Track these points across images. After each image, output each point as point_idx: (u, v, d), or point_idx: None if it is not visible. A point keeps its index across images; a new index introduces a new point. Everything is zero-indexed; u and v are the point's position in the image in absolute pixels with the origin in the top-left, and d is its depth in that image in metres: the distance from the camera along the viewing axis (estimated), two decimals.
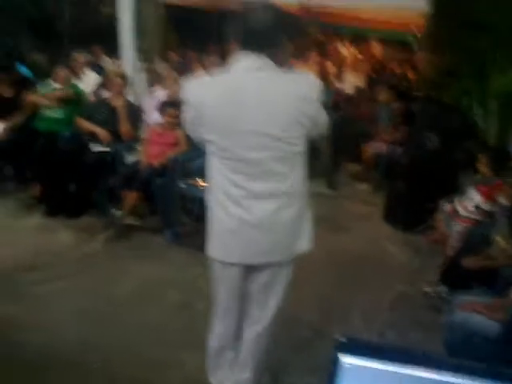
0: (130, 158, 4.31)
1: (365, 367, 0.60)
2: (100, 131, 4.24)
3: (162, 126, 4.33)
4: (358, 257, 3.84)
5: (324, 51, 9.67)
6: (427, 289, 3.24)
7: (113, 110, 4.31)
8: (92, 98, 5.12)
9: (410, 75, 8.59)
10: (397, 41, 10.65)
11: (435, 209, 3.88)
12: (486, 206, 3.30)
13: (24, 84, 5.00)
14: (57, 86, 4.60)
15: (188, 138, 4.28)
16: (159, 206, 4.03)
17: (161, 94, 5.27)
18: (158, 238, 3.98)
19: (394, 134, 5.61)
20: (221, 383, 2.11)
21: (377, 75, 8.66)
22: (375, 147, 5.63)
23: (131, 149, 4.35)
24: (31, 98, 4.56)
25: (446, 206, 3.64)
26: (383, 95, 6.41)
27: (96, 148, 4.25)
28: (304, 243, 1.92)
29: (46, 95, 4.50)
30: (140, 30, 6.57)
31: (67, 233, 3.95)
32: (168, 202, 3.99)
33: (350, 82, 8.32)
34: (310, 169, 1.93)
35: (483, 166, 3.45)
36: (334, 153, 5.61)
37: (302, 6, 6.90)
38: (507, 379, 0.58)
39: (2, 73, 4.82)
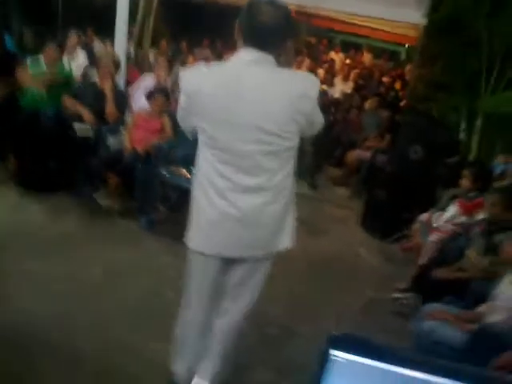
0: (112, 141, 4.25)
1: (355, 362, 0.60)
2: (85, 112, 4.18)
3: (149, 112, 4.29)
4: (332, 259, 3.88)
5: (315, 55, 9.73)
6: (397, 295, 3.30)
7: (100, 92, 4.26)
8: (80, 79, 5.05)
9: (398, 85, 8.72)
10: (387, 50, 10.81)
11: (412, 219, 3.95)
12: (462, 220, 3.37)
13: (8, 56, 4.86)
14: (45, 66, 4.49)
15: (174, 126, 4.27)
16: (138, 192, 3.98)
17: (148, 79, 5.22)
18: (132, 224, 3.93)
19: (379, 141, 5.69)
20: (184, 372, 2.10)
21: (365, 82, 8.75)
22: (359, 153, 5.70)
23: (115, 131, 4.29)
24: (21, 76, 4.43)
25: (424, 216, 3.71)
26: (370, 103, 6.49)
27: (79, 127, 4.18)
28: (286, 240, 1.91)
29: (35, 78, 4.39)
30: (134, 17, 6.52)
31: (41, 211, 3.86)
32: (148, 189, 3.95)
33: (338, 87, 8.40)
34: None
35: (466, 181, 3.51)
36: (316, 154, 5.64)
37: (298, 8, 6.87)
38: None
39: None
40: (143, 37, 7.23)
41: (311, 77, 1.84)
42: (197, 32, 9.05)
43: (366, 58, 10.32)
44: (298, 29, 7.89)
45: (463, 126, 4.80)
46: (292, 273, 3.37)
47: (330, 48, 10.75)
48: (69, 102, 4.25)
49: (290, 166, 1.83)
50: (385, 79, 9.08)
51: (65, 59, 5.36)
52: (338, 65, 9.64)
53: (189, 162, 3.87)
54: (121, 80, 5.07)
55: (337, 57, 10.05)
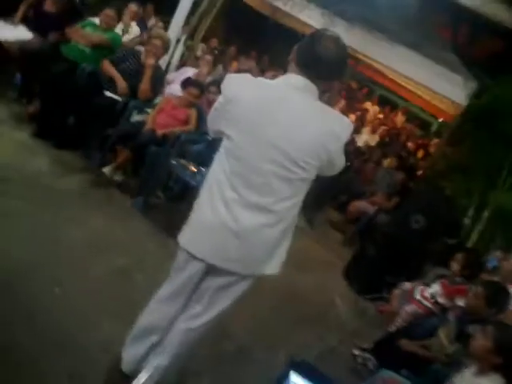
0: (136, 118, 4.29)
1: None
2: (120, 80, 4.21)
3: (179, 100, 4.34)
4: (306, 298, 3.87)
5: (352, 100, 9.84)
6: (356, 352, 3.27)
7: (141, 66, 4.29)
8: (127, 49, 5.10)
9: (420, 154, 8.79)
10: (420, 118, 10.92)
11: (394, 284, 3.96)
12: (442, 301, 3.38)
13: (69, 9, 4.91)
14: (99, 29, 4.56)
15: (198, 122, 4.32)
16: (144, 172, 4.01)
17: (190, 71, 5.30)
18: (126, 201, 3.94)
19: (385, 200, 5.72)
20: (133, 362, 2.08)
21: (390, 141, 8.83)
22: (363, 205, 5.73)
23: (141, 110, 4.33)
24: (71, 32, 4.49)
25: (407, 285, 3.72)
26: (389, 161, 6.56)
27: (109, 94, 4.22)
28: (274, 266, 1.91)
29: (83, 35, 4.45)
30: (196, 7, 6.63)
31: (45, 160, 3.87)
32: (154, 172, 3.97)
33: (363, 137, 8.48)
34: None
35: (456, 265, 3.52)
36: (322, 194, 5.67)
37: (350, 51, 6.97)
38: None
39: None
40: (197, 30, 7.33)
41: (347, 120, 1.85)
42: (249, 42, 9.17)
43: (399, 119, 10.42)
44: (348, 71, 7.99)
45: (471, 212, 4.85)
46: (264, 298, 3.35)
47: (368, 98, 10.87)
48: (107, 66, 4.27)
49: (299, 196, 1.84)
50: (410, 144, 9.16)
51: (119, 28, 5.43)
52: (370, 116, 9.75)
53: (200, 159, 3.92)
54: (163, 64, 5.13)
55: (371, 108, 10.16)
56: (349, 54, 1.76)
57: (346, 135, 1.78)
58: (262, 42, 9.31)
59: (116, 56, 4.40)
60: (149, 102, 4.38)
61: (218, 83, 4.82)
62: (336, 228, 5.91)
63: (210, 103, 4.30)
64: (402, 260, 4.31)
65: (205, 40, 7.81)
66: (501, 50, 5.43)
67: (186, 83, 4.49)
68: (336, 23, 6.64)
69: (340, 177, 5.84)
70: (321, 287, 4.26)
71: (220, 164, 1.80)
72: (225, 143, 1.80)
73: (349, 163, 6.59)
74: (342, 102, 8.72)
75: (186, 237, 1.90)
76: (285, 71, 1.84)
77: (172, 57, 6.27)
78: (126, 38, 5.42)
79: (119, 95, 4.22)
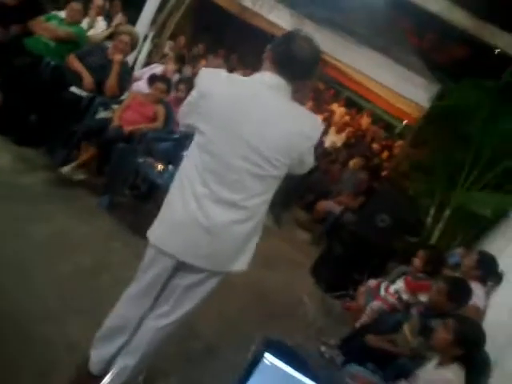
0: (102, 114, 4.20)
1: (281, 370, 0.62)
2: (86, 75, 4.12)
3: (146, 97, 4.29)
4: (273, 296, 3.89)
5: (318, 101, 9.95)
6: (323, 349, 3.31)
7: (107, 62, 4.20)
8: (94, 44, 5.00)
9: (384, 155, 8.98)
10: (385, 120, 11.15)
11: (359, 281, 4.03)
12: (406, 297, 3.46)
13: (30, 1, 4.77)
14: (63, 22, 4.44)
15: (165, 119, 4.28)
16: (110, 169, 3.94)
17: (157, 68, 5.25)
18: (92, 199, 3.86)
19: (351, 200, 5.82)
20: (101, 362, 2.05)
21: (355, 142, 8.98)
22: (330, 205, 5.82)
23: (107, 106, 4.24)
24: (34, 24, 4.35)
25: (373, 283, 3.79)
26: (355, 162, 6.67)
27: (74, 89, 4.12)
28: (242, 262, 1.91)
29: (47, 28, 4.32)
30: (164, 4, 6.56)
31: (7, 156, 3.76)
32: (120, 169, 3.91)
33: (330, 138, 8.59)
34: None
35: (418, 262, 3.61)
36: (289, 193, 5.72)
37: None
38: None
39: None
40: (165, 27, 7.26)
41: (319, 120, 1.86)
42: (217, 41, 9.15)
43: (365, 121, 10.59)
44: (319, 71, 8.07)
45: (432, 211, 4.98)
46: (231, 297, 3.35)
47: (335, 99, 11.01)
48: (73, 60, 4.17)
49: (270, 193, 1.85)
50: (375, 145, 9.33)
51: (84, 22, 5.32)
52: (336, 117, 9.88)
53: (167, 158, 3.88)
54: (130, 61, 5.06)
55: (338, 110, 10.30)
56: (320, 54, 1.78)
57: (317, 135, 1.80)
58: (231, 41, 9.33)
59: (82, 51, 4.30)
60: (115, 99, 4.30)
61: (186, 81, 4.80)
62: (303, 227, 5.97)
63: (179, 101, 4.27)
64: (367, 258, 4.40)
65: (172, 37, 7.75)
66: (465, 56, 5.63)
67: (153, 79, 4.45)
68: (305, 24, 6.71)
69: (308, 176, 5.97)
70: (288, 285, 4.29)
71: (191, 159, 1.79)
72: (197, 138, 1.79)
73: (317, 163, 6.69)
74: (310, 103, 8.82)
75: (156, 233, 1.88)
76: (253, 70, 1.85)
77: (139, 54, 6.20)
78: (91, 33, 5.31)
79: (85, 90, 4.12)
